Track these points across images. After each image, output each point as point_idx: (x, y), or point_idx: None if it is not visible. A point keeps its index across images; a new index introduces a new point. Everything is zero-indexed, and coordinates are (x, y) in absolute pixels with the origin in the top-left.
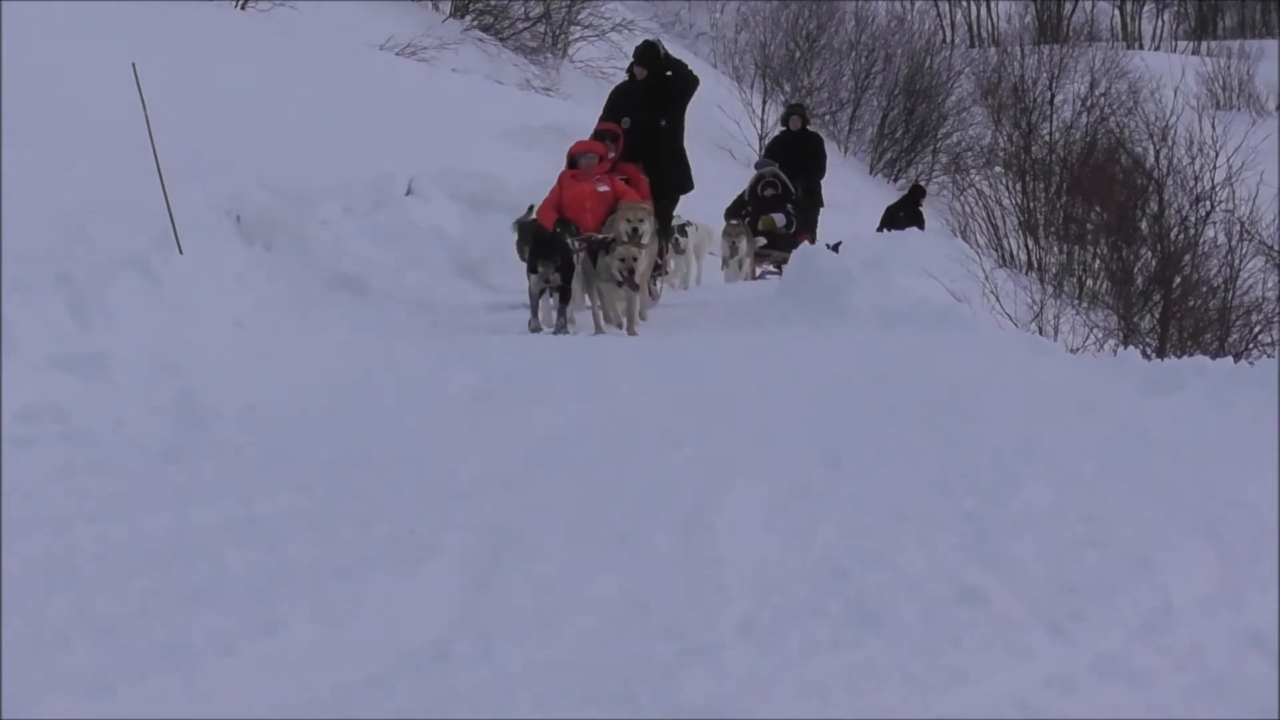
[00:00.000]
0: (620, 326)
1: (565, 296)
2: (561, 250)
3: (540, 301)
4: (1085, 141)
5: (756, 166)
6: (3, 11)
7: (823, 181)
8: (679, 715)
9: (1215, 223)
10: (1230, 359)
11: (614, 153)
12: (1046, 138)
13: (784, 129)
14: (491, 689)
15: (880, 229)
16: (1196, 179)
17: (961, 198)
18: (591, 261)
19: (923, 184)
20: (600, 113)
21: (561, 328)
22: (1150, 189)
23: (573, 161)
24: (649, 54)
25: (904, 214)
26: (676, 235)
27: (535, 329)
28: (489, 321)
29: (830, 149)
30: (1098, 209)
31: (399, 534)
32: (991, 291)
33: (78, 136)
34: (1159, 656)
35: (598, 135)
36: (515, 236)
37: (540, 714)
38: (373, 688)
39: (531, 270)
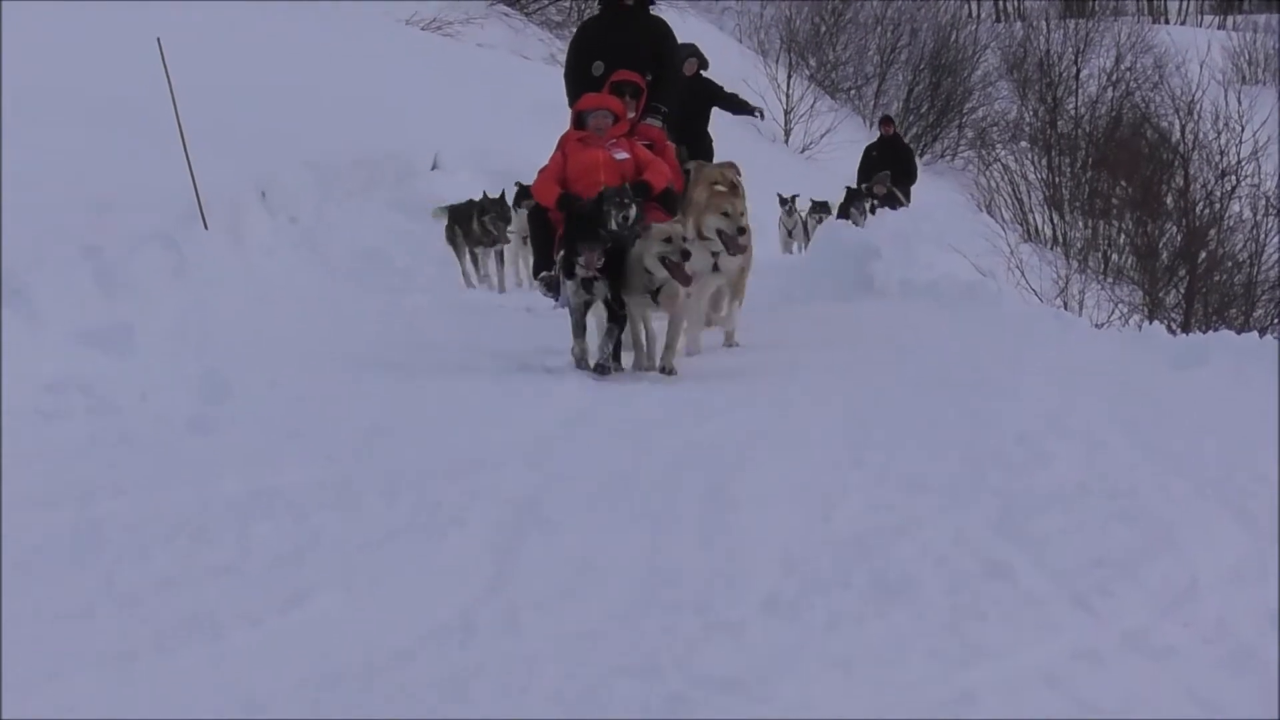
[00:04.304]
0: (650, 366)
1: (615, 314)
2: (614, 232)
3: (588, 317)
4: (1111, 116)
5: None
6: None
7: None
8: (704, 688)
9: (1241, 197)
10: (1255, 334)
11: (634, 111)
12: (1072, 112)
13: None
14: (517, 661)
15: (859, 187)
16: (1222, 154)
17: (987, 172)
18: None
19: (890, 115)
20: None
21: (603, 365)
22: (1176, 164)
23: (580, 120)
24: None
25: (877, 152)
26: None
27: (583, 362)
28: (512, 296)
29: (855, 123)
30: (1123, 184)
31: (424, 506)
32: (1017, 266)
33: (104, 112)
34: (1186, 630)
35: (614, 88)
36: (445, 219)
37: (565, 686)
38: (398, 659)
39: (567, 269)
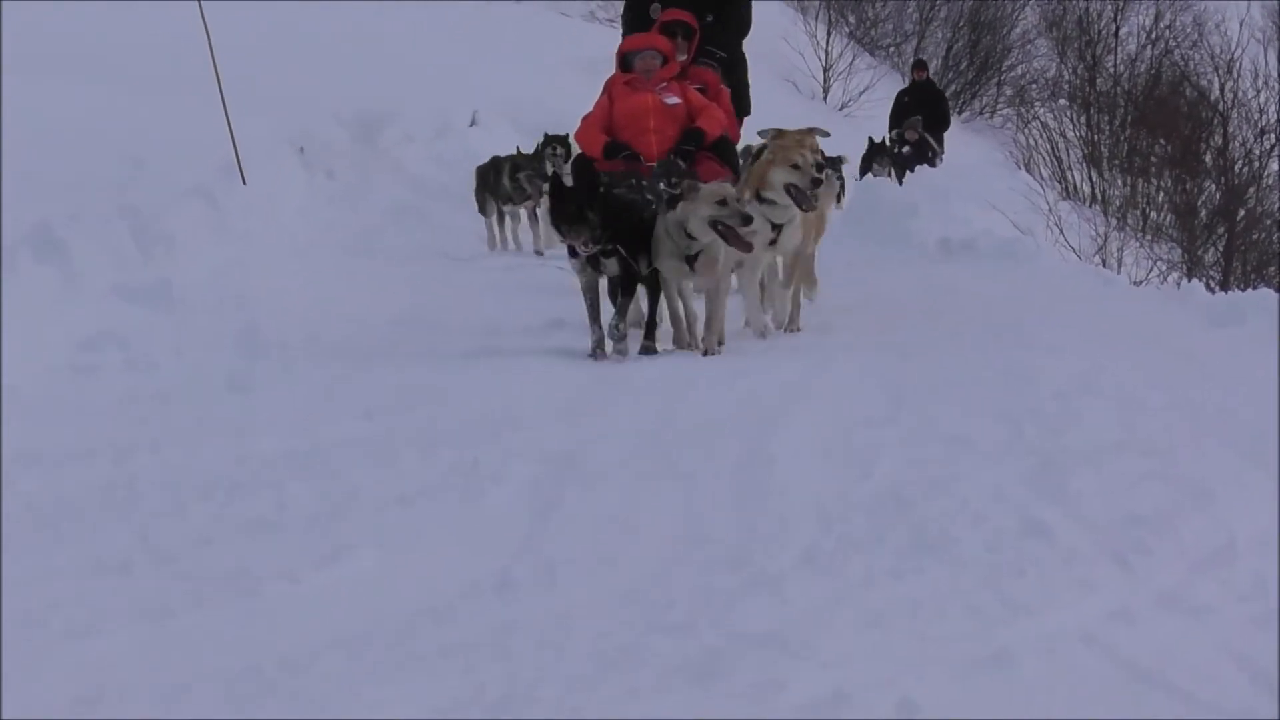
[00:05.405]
0: (691, 345)
1: (628, 288)
2: (608, 206)
3: (600, 300)
4: (1150, 74)
5: None
6: None
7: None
8: (741, 643)
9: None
10: None
11: (685, 54)
12: (1111, 70)
13: None
14: (554, 617)
15: (881, 141)
16: (1261, 112)
17: (1025, 130)
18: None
19: (923, 58)
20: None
21: (618, 340)
22: (1215, 122)
23: (626, 63)
24: None
25: (909, 98)
26: None
27: (600, 350)
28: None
29: (894, 80)
30: (1162, 142)
31: (461, 463)
32: (1055, 224)
33: (143, 68)
34: (1223, 589)
35: (664, 28)
36: (474, 183)
37: (603, 642)
38: (435, 617)
39: (570, 249)
